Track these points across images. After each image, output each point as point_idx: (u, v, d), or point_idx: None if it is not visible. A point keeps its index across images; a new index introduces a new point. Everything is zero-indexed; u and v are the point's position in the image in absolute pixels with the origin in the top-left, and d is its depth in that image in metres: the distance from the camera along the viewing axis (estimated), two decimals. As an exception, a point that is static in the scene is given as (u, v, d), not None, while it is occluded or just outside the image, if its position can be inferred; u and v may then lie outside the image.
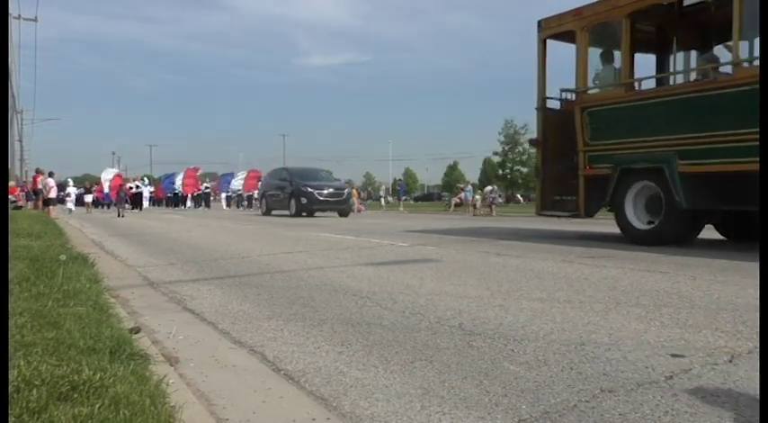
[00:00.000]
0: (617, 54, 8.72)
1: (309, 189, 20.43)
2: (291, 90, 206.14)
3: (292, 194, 20.74)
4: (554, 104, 9.73)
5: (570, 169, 9.02)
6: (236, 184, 41.13)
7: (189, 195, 41.58)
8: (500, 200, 29.60)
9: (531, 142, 11.01)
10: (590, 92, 8.91)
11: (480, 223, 16.14)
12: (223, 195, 43.09)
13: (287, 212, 21.09)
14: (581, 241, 9.02)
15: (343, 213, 21.18)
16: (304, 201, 20.25)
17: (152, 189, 40.74)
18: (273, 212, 22.26)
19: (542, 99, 9.58)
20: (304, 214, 20.53)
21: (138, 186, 32.74)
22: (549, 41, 9.47)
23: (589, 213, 9.01)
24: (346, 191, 21.94)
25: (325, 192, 20.61)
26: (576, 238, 9.71)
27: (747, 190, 6.32)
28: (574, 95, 9.07)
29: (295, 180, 21.12)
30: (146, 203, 33.04)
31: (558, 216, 10.15)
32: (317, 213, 21.15)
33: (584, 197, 8.78)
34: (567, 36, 9.16)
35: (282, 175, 22.63)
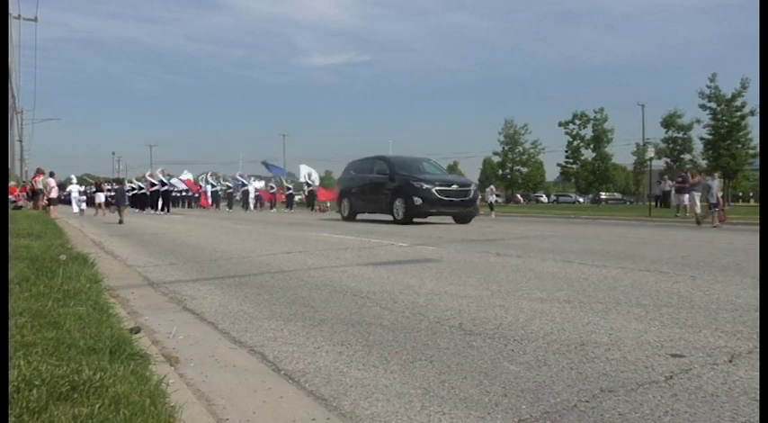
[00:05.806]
0: None
1: (425, 185, 14.60)
2: (291, 90, 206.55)
3: (398, 193, 15.00)
4: None
5: None
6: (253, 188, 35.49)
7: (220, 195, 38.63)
8: (498, 200, 29.47)
9: None
10: None
11: (480, 223, 16.13)
12: (252, 193, 35.81)
13: (385, 218, 15.76)
14: (580, 241, 9.02)
15: (466, 218, 15.33)
16: (418, 201, 14.47)
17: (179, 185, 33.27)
18: (359, 217, 17.07)
19: None
20: (414, 220, 14.97)
21: (140, 186, 28.21)
22: None
23: None
24: (473, 188, 15.82)
25: (445, 189, 14.81)
26: (575, 237, 9.70)
27: None
28: None
29: (399, 174, 15.49)
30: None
31: None
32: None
33: None
34: None
35: (379, 166, 16.47)
